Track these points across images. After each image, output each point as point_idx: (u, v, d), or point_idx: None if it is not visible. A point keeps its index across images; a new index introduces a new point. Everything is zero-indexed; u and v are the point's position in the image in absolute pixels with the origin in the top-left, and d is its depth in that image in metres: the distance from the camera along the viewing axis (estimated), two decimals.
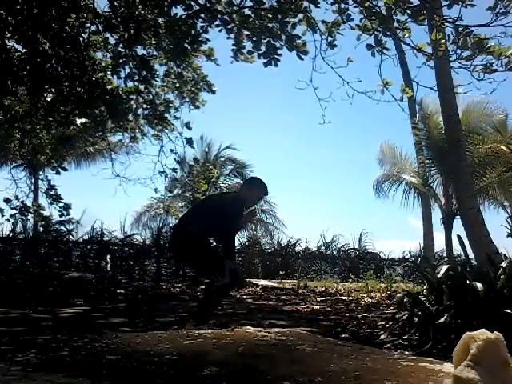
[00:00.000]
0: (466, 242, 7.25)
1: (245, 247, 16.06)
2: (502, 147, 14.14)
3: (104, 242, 14.65)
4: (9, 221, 10.05)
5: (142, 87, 8.43)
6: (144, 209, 20.18)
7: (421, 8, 5.35)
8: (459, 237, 4.72)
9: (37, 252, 13.46)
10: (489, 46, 5.11)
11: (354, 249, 17.95)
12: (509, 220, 17.48)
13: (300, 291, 9.52)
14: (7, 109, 8.25)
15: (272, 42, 6.50)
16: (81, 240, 14.90)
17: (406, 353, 2.95)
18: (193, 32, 6.76)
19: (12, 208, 9.42)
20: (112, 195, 9.66)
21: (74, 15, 7.06)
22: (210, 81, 8.82)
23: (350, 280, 12.76)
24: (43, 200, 10.50)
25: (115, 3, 7.26)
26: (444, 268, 3.81)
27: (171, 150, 9.15)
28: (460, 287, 3.55)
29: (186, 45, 7.22)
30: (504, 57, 5.11)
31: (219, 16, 6.47)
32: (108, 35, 7.75)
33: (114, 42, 7.85)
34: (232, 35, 6.70)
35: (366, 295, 8.61)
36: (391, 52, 5.99)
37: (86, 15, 7.34)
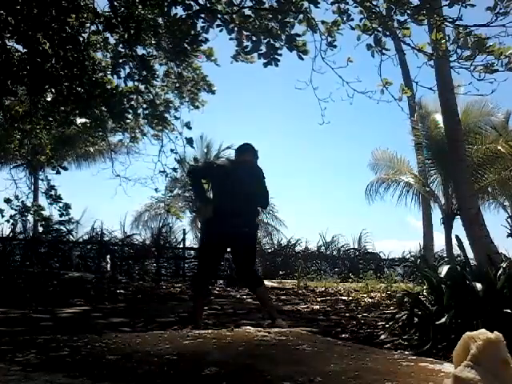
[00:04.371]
0: (466, 242, 7.28)
1: None
2: (500, 148, 14.09)
3: (104, 242, 14.65)
4: (9, 221, 10.05)
5: (142, 87, 8.44)
6: (144, 208, 20.19)
7: (421, 8, 5.35)
8: (457, 237, 4.71)
9: (37, 252, 13.43)
10: (489, 45, 5.11)
11: (353, 249, 17.98)
12: (509, 220, 17.50)
13: (300, 291, 9.51)
14: (7, 109, 8.24)
15: (272, 42, 6.50)
16: (81, 240, 14.91)
17: (406, 353, 2.95)
18: (193, 32, 6.76)
19: (12, 208, 9.42)
20: (112, 195, 9.70)
21: (74, 15, 7.06)
22: (209, 81, 8.84)
23: (350, 280, 12.75)
24: (43, 200, 10.50)
25: (115, 3, 7.26)
26: (445, 268, 3.80)
27: (171, 150, 9.16)
28: (460, 287, 3.55)
29: (186, 45, 7.23)
30: (504, 57, 5.11)
31: (219, 16, 6.47)
32: (108, 35, 7.77)
33: (114, 42, 7.88)
34: (233, 35, 6.71)
35: (365, 295, 8.60)
36: (391, 52, 6.00)
37: (86, 15, 7.34)
